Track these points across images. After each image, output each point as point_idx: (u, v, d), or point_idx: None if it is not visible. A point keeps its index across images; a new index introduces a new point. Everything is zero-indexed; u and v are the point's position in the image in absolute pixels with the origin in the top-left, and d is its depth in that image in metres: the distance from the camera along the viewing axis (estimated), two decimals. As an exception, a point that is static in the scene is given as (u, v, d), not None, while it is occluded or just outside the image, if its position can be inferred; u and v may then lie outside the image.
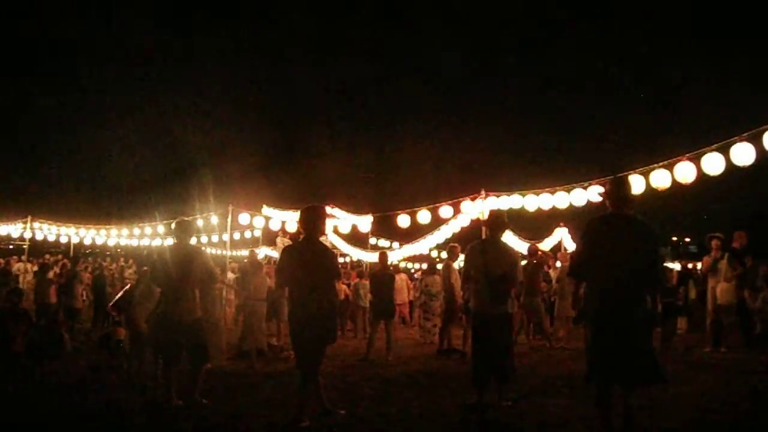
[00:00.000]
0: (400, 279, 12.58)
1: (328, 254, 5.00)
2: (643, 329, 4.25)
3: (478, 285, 5.38)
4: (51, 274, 12.24)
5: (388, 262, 10.12)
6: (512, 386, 5.58)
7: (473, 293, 5.46)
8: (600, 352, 4.22)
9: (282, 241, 16.47)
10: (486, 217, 5.78)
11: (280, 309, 9.38)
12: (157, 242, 20.95)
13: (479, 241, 5.75)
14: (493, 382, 5.34)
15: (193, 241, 6.24)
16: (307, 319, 4.73)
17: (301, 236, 5.08)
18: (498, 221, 5.67)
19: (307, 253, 4.87)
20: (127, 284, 12.97)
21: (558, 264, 12.83)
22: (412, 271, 22.05)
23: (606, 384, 4.23)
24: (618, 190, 4.38)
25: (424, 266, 18.51)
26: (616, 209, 4.30)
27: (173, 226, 5.81)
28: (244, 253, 24.18)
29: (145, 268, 7.84)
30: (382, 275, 9.13)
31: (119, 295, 8.10)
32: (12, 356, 6.53)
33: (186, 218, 6.06)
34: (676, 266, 14.35)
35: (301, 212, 5.08)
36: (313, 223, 4.96)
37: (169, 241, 19.31)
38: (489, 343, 5.29)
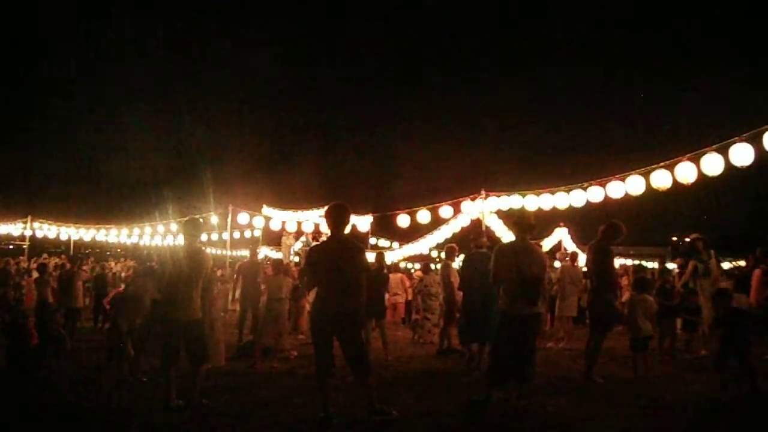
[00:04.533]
0: (396, 278, 12.55)
1: (357, 250, 4.97)
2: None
3: (508, 286, 5.36)
4: (50, 275, 12.23)
5: (386, 263, 10.09)
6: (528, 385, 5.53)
7: (503, 294, 5.43)
8: (471, 324, 7.54)
9: (288, 240, 16.54)
10: (512, 219, 5.97)
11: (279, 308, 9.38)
12: (157, 242, 20.97)
13: (509, 242, 5.81)
14: (512, 381, 5.32)
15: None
16: (336, 315, 4.75)
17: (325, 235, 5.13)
18: (525, 222, 5.69)
19: (335, 251, 4.87)
20: (119, 284, 13.00)
21: (557, 264, 12.82)
22: (412, 271, 22.05)
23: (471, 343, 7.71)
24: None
25: (417, 266, 18.61)
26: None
27: (184, 224, 5.78)
28: (245, 252, 24.25)
29: (133, 269, 7.87)
30: (376, 275, 9.05)
31: (114, 292, 8.11)
32: (29, 350, 6.56)
33: (195, 216, 6.02)
34: (673, 266, 14.30)
35: (326, 210, 5.08)
36: (339, 220, 4.98)
37: (170, 241, 19.40)
38: (515, 343, 5.24)
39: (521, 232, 5.62)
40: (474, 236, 8.28)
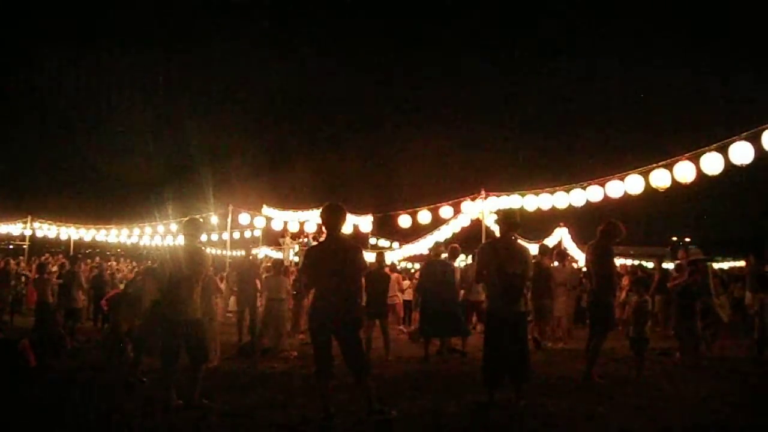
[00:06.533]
0: (392, 278, 12.57)
1: (354, 250, 4.95)
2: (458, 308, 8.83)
3: (491, 285, 5.37)
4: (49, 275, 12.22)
5: (386, 263, 10.12)
6: (527, 385, 5.50)
7: (487, 293, 5.43)
8: (429, 319, 8.58)
9: (288, 242, 16.54)
10: (497, 216, 5.89)
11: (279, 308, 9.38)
12: (157, 242, 20.95)
13: (492, 240, 5.79)
14: (509, 382, 5.32)
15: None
16: (335, 316, 4.75)
17: (323, 235, 5.11)
18: (510, 220, 5.65)
19: (332, 251, 4.86)
20: (119, 285, 13.01)
21: (555, 263, 12.81)
22: (413, 271, 22.04)
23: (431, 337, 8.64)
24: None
25: (417, 266, 18.65)
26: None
27: (184, 224, 5.77)
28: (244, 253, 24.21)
29: (138, 273, 7.88)
30: (377, 275, 9.02)
31: (113, 292, 8.11)
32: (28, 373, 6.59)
33: (195, 216, 6.02)
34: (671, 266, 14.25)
35: (322, 210, 5.06)
36: (334, 220, 4.96)
37: (170, 241, 19.38)
38: (503, 343, 5.24)
39: (506, 229, 5.62)
40: (433, 245, 8.87)
